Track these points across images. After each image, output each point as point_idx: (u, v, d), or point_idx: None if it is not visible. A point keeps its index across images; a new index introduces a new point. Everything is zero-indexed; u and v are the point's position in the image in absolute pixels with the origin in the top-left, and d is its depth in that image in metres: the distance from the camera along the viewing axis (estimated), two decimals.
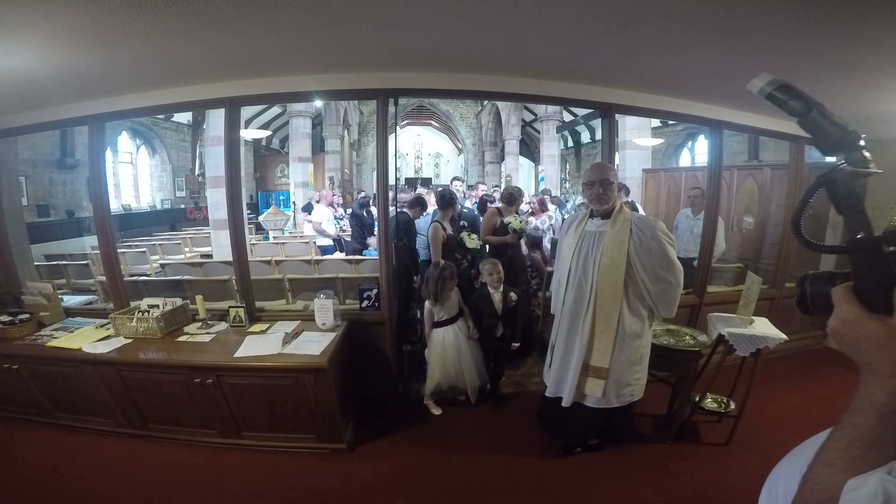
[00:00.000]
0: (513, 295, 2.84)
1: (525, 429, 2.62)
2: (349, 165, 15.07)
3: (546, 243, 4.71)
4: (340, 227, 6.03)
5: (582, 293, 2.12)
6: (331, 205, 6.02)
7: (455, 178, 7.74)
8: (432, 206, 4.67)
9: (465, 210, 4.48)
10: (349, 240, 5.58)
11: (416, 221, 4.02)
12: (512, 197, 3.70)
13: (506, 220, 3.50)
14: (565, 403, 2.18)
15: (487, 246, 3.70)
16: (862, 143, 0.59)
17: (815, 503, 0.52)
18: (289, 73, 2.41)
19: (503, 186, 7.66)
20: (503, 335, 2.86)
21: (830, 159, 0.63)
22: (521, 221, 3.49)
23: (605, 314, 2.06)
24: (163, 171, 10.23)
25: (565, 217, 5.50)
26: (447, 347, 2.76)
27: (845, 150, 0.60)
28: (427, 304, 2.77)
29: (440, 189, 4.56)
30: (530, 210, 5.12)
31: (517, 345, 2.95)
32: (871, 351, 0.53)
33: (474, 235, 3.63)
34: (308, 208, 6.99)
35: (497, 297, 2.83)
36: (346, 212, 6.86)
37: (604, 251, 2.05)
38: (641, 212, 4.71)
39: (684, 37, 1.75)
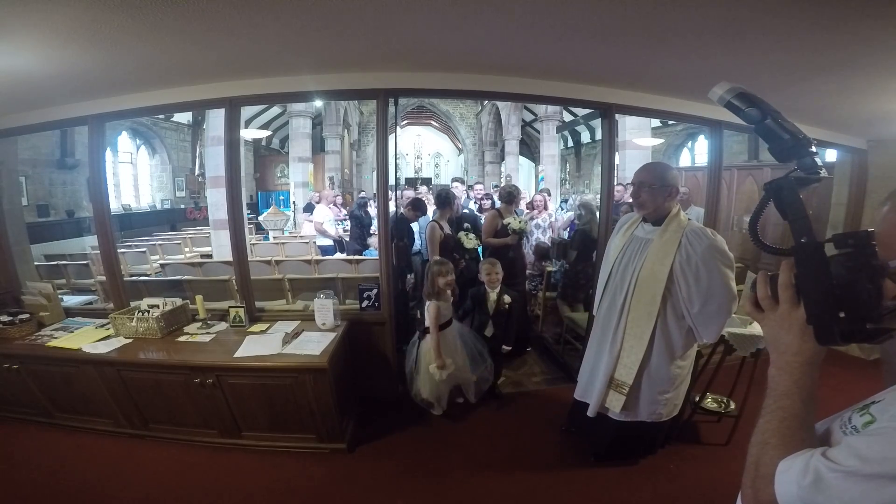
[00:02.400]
0: (506, 298, 2.84)
1: (525, 428, 2.62)
2: (349, 165, 15.06)
3: (546, 241, 4.72)
4: (343, 228, 6.02)
5: (615, 303, 2.00)
6: (334, 204, 6.01)
7: (455, 179, 7.70)
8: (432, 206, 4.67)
9: (465, 211, 4.48)
10: (349, 240, 5.58)
11: (418, 221, 4.03)
12: (511, 196, 3.70)
13: (505, 221, 3.49)
14: (590, 413, 2.10)
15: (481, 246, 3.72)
16: (813, 149, 0.62)
17: (757, 479, 0.60)
18: (289, 73, 2.41)
19: (502, 185, 7.65)
20: (494, 335, 2.87)
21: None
22: (520, 222, 3.49)
23: (636, 329, 1.92)
24: (163, 171, 10.23)
25: (565, 216, 5.51)
26: (457, 347, 2.70)
27: (797, 156, 0.63)
28: (431, 303, 2.64)
29: (439, 189, 4.57)
30: (532, 207, 5.10)
31: (508, 348, 2.95)
32: (799, 340, 0.60)
33: (472, 235, 3.64)
34: (310, 208, 6.98)
35: (493, 296, 2.84)
36: (343, 212, 6.86)
37: (645, 262, 1.89)
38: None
39: (685, 37, 1.75)
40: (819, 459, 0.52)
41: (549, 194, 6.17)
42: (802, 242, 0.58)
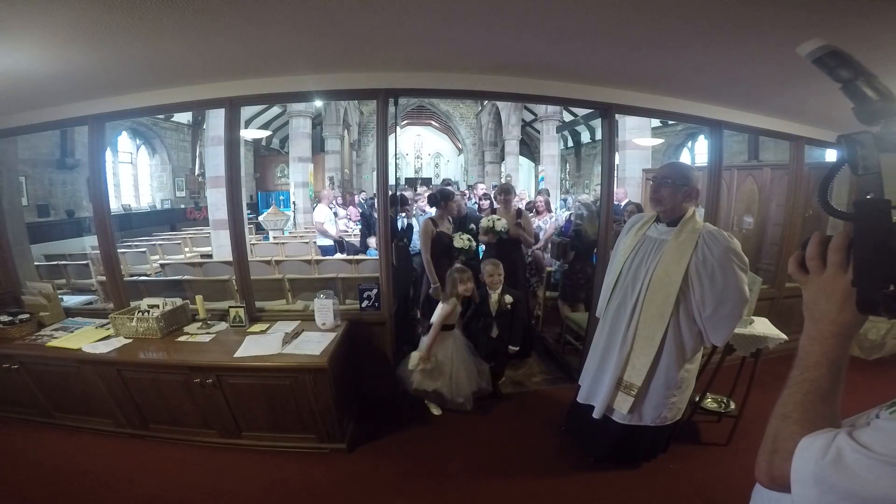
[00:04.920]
0: (507, 297, 2.84)
1: (525, 429, 2.62)
2: (349, 165, 15.07)
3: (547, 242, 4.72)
4: (358, 227, 5.99)
5: (626, 303, 1.96)
6: (352, 205, 5.96)
7: (445, 182, 7.61)
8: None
9: (468, 211, 4.47)
10: (349, 241, 5.58)
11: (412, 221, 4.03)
12: (505, 192, 3.71)
13: (483, 223, 3.50)
14: (596, 414, 2.07)
15: (483, 246, 3.71)
16: None
17: (773, 452, 0.58)
18: (289, 73, 2.41)
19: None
20: (499, 336, 2.86)
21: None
22: (489, 220, 3.47)
23: (648, 331, 1.89)
24: (163, 171, 10.23)
25: (566, 216, 5.51)
26: (456, 351, 2.70)
27: (885, 118, 0.58)
28: (450, 301, 2.65)
29: (436, 188, 4.57)
30: (535, 210, 5.11)
31: (515, 349, 2.92)
32: (839, 304, 0.56)
33: (465, 235, 3.61)
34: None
35: (494, 297, 2.84)
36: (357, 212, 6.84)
37: (660, 262, 1.86)
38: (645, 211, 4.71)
39: (685, 37, 1.75)
40: (844, 438, 0.51)
41: (549, 194, 6.17)
42: (868, 198, 0.53)
